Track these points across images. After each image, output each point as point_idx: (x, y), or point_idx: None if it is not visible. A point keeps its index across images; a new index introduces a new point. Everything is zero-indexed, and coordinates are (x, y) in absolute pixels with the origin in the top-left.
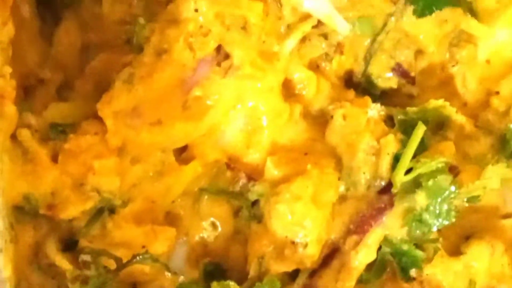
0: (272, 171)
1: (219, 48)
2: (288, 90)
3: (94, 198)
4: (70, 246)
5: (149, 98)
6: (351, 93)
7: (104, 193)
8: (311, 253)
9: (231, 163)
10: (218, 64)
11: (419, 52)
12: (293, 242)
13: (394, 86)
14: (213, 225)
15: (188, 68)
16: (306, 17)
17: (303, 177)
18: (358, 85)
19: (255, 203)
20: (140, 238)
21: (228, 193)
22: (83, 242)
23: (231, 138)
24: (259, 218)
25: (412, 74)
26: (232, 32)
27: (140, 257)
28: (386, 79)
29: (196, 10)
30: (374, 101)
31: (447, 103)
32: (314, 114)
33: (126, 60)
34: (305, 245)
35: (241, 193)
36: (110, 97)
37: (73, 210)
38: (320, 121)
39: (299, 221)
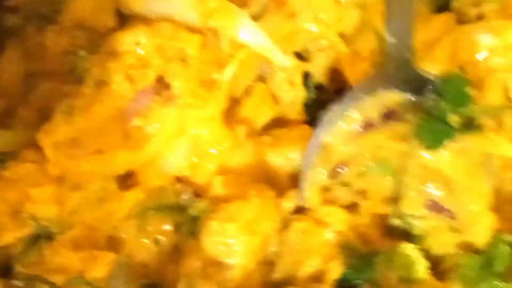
0: (218, 189)
1: (159, 78)
2: (232, 115)
3: (30, 225)
4: (4, 272)
5: (89, 128)
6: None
7: (41, 221)
8: (234, 278)
9: (181, 178)
10: (159, 94)
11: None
12: (218, 262)
13: (434, 223)
14: (156, 241)
15: (127, 99)
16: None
17: (243, 201)
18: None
19: (196, 219)
20: (77, 264)
21: (170, 208)
22: (18, 268)
23: (175, 165)
24: (196, 235)
25: (449, 207)
26: (172, 63)
27: (73, 281)
28: (422, 218)
29: (136, 43)
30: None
31: (418, 256)
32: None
33: (66, 91)
34: (229, 268)
35: (184, 207)
36: (49, 128)
37: (9, 237)
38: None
39: (229, 242)
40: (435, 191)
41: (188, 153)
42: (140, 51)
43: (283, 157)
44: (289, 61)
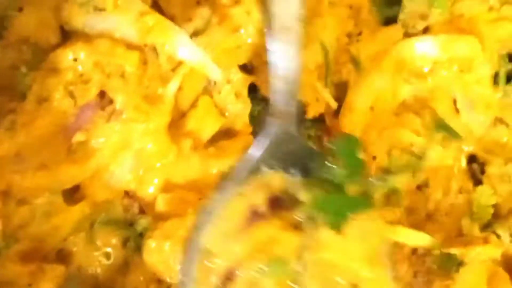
0: (161, 208)
1: (102, 94)
2: (178, 128)
3: None
4: None
5: (32, 144)
6: None
7: None
8: None
9: (130, 193)
10: (102, 109)
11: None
12: (159, 280)
13: None
14: (107, 254)
15: (69, 115)
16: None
17: (179, 219)
18: None
19: (142, 236)
20: (25, 277)
21: (118, 223)
22: None
23: (121, 178)
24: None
25: None
26: (112, 79)
27: None
28: None
29: (75, 59)
30: None
31: None
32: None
33: (10, 107)
34: (170, 286)
35: (132, 223)
36: None
37: None
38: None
39: (166, 261)
40: None
41: (134, 167)
42: (80, 67)
43: (227, 167)
44: (222, 75)
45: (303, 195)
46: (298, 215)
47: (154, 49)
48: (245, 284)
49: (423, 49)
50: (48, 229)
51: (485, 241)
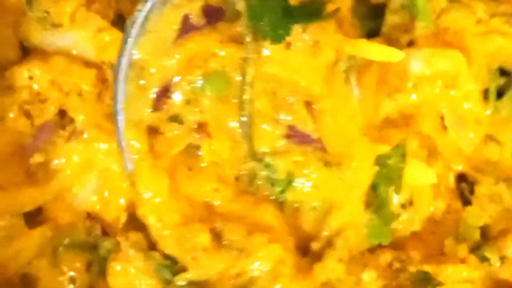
0: (126, 226)
1: (63, 112)
2: None
3: None
4: None
5: None
6: None
7: None
8: None
9: (92, 214)
10: (63, 128)
11: (309, 102)
12: None
13: (300, 158)
14: (72, 279)
15: (26, 135)
16: None
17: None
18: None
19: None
20: None
21: (81, 246)
22: None
23: (85, 199)
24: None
25: (315, 135)
26: (71, 98)
27: None
28: (284, 154)
29: (31, 78)
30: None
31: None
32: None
33: None
34: None
35: (95, 246)
36: None
37: None
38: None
39: (132, 283)
40: (289, 116)
41: (98, 188)
42: (35, 86)
43: None
44: None
45: (240, 5)
46: (238, 28)
47: (112, 66)
48: (183, 100)
49: (407, 64)
50: (10, 253)
51: (462, 261)
